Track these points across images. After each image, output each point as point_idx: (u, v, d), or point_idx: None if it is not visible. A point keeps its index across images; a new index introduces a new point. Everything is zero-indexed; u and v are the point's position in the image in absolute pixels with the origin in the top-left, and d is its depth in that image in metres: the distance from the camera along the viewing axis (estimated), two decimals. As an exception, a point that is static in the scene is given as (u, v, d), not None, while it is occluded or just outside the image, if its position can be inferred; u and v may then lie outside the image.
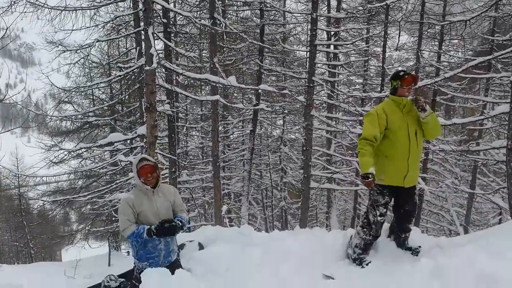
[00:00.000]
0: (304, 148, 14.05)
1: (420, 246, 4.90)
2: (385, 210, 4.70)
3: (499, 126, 14.09)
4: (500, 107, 9.43)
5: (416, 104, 4.50)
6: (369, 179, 4.33)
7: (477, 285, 3.33)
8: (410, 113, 4.53)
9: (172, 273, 4.21)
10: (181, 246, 6.10)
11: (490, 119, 12.79)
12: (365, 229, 4.83)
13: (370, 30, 18.55)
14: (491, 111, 12.45)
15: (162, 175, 10.01)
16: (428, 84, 10.72)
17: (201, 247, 6.21)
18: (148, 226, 4.60)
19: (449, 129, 18.97)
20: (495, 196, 14.25)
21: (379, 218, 4.70)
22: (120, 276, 5.46)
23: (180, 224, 4.78)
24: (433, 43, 18.64)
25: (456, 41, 17.96)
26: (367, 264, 4.68)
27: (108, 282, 5.19)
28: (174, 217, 4.85)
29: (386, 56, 18.11)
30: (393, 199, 4.82)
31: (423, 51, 17.01)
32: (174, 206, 4.93)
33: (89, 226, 18.76)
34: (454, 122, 10.57)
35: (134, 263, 4.94)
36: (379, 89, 17.81)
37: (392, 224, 5.07)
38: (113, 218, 18.04)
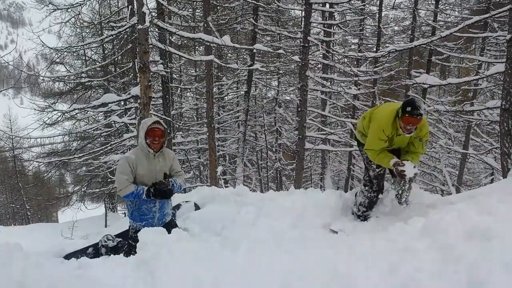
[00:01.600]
0: (299, 109, 14.04)
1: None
2: None
3: (493, 86, 14.06)
4: (495, 67, 9.37)
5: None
6: (399, 166, 4.32)
7: (468, 241, 3.38)
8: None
9: (168, 232, 4.26)
10: (177, 207, 6.16)
11: (485, 79, 12.74)
12: (367, 187, 4.93)
13: (367, -12, 18.21)
14: (486, 71, 12.40)
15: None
16: (424, 44, 10.61)
17: (197, 207, 6.28)
18: (147, 187, 4.65)
19: (444, 89, 18.96)
20: (488, 156, 14.40)
21: (377, 170, 4.79)
22: (117, 236, 5.52)
23: (171, 185, 4.81)
24: (429, 1, 18.34)
25: (453, -1, 17.72)
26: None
27: (106, 241, 5.25)
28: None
29: (382, 15, 17.87)
30: None
31: (420, 10, 16.78)
32: (170, 170, 4.96)
33: (85, 188, 18.85)
34: (449, 82, 10.52)
35: (129, 223, 5.00)
36: (375, 49, 17.65)
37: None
38: (109, 180, 18.12)
